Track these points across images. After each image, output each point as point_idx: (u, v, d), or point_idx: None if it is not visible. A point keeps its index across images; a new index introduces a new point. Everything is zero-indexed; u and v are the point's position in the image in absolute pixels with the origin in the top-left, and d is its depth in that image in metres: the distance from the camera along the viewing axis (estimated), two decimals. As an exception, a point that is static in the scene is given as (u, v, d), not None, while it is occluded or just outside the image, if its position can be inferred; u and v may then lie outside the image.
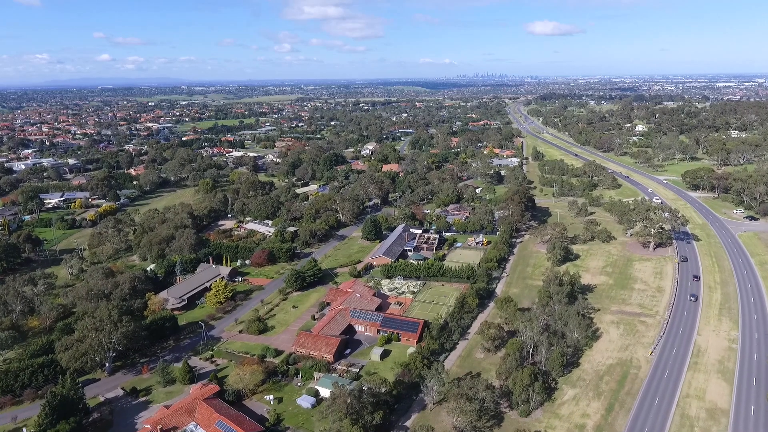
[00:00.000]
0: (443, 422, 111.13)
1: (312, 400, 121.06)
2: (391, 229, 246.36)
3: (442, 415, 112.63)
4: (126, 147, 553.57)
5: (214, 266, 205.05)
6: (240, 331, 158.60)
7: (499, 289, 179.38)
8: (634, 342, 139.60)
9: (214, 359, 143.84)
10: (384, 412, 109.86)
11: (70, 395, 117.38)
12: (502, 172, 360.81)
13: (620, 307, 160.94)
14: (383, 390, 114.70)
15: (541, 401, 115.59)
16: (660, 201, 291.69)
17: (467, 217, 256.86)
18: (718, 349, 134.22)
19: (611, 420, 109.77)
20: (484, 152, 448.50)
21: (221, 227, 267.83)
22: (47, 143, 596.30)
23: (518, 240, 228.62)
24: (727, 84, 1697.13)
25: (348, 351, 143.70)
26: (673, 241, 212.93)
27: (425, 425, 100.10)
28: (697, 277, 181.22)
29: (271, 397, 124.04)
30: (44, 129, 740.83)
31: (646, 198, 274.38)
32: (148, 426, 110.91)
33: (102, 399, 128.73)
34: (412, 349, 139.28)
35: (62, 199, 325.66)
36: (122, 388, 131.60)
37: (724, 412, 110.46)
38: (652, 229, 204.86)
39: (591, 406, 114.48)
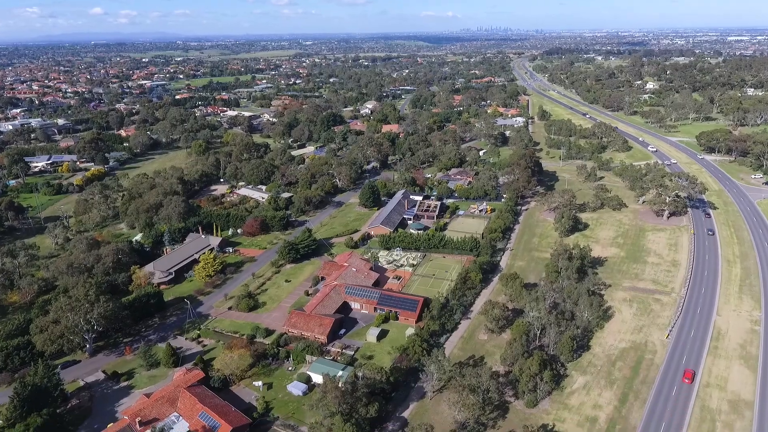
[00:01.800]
0: (444, 413, 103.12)
1: (303, 387, 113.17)
2: (390, 195, 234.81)
3: (443, 404, 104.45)
4: (117, 106, 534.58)
5: (203, 236, 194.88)
6: (229, 308, 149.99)
7: (504, 261, 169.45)
8: (649, 323, 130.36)
9: (201, 339, 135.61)
10: (380, 403, 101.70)
11: (43, 383, 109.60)
12: (507, 133, 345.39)
13: (633, 282, 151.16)
14: (379, 377, 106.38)
15: (549, 390, 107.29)
16: (654, 150, 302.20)
17: (470, 182, 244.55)
18: (739, 332, 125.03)
19: (625, 412, 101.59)
20: (488, 111, 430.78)
21: (213, 192, 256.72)
22: (37, 102, 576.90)
23: (524, 207, 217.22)
24: (739, 38, 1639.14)
25: (343, 331, 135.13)
26: (689, 209, 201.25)
27: (424, 424, 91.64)
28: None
29: (261, 383, 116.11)
30: (34, 87, 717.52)
31: (653, 158, 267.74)
32: (126, 417, 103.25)
33: (82, 383, 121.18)
34: (411, 330, 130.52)
35: (49, 162, 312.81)
36: (103, 372, 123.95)
37: (748, 405, 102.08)
38: (667, 197, 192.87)
39: (603, 396, 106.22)
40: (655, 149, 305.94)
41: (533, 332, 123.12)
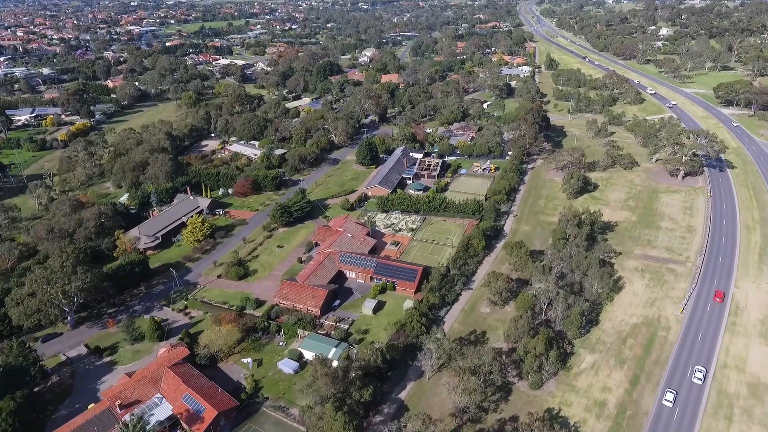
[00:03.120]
0: (443, 395, 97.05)
1: (295, 364, 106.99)
2: (389, 152, 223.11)
3: (442, 386, 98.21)
4: (105, 54, 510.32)
5: (192, 197, 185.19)
6: (218, 276, 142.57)
7: (508, 226, 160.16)
8: (662, 295, 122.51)
9: (188, 311, 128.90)
10: (374, 385, 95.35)
11: (18, 362, 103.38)
12: (513, 83, 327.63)
13: (645, 250, 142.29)
14: (373, 358, 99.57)
15: (555, 371, 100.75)
16: (653, 92, 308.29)
17: (473, 138, 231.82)
18: (759, 306, 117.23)
19: (636, 396, 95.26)
20: (493, 60, 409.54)
21: (203, 149, 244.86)
22: (21, 50, 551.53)
23: (529, 166, 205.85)
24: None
25: (337, 302, 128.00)
26: (705, 169, 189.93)
27: (421, 413, 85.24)
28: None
29: (250, 360, 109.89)
30: (19, 33, 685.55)
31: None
32: (106, 399, 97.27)
33: (64, 358, 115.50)
34: (409, 303, 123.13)
35: (33, 115, 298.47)
36: (86, 346, 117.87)
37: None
38: (684, 156, 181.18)
39: (613, 378, 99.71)
40: (653, 92, 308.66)
41: (539, 306, 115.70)
